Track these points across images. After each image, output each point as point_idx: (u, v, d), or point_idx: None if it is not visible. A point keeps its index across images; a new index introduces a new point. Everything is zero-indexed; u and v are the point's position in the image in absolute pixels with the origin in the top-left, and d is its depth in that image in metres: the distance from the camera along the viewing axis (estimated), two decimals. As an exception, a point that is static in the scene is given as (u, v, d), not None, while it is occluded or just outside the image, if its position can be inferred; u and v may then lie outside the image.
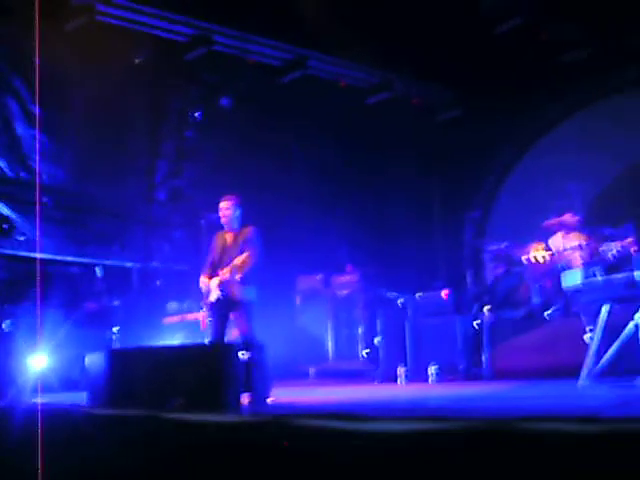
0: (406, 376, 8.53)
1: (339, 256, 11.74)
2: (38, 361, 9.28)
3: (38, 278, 9.43)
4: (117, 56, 10.53)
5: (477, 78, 11.10)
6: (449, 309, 8.92)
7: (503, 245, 9.48)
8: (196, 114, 12.41)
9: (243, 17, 10.40)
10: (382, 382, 8.85)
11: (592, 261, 6.98)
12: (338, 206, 12.51)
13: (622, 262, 5.76)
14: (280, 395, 6.38)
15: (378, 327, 9.48)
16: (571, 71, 10.43)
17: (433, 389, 7.53)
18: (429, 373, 8.31)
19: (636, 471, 2.58)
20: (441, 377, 8.23)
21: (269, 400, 5.95)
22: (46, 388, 8.71)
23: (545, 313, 8.59)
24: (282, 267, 10.60)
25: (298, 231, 11.98)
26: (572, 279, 6.62)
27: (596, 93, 11.01)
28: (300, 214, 12.13)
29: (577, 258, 7.93)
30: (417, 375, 8.47)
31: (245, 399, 5.61)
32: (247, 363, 5.72)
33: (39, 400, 6.28)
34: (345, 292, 11.11)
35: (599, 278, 5.93)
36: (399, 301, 9.82)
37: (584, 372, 6.04)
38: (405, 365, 8.62)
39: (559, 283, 8.16)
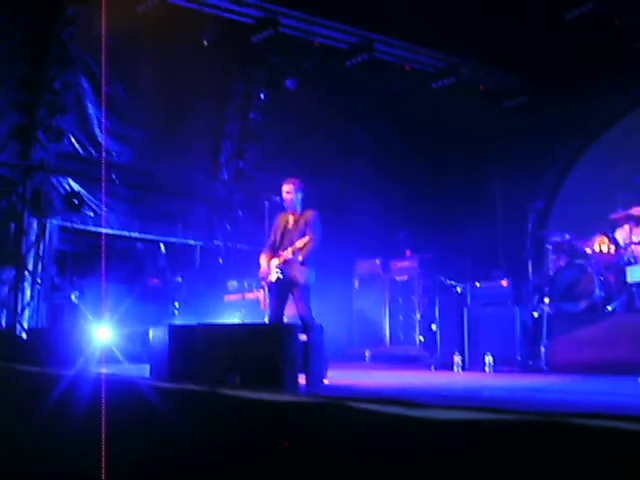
0: (462, 364, 8.50)
1: (399, 241, 11.72)
2: (103, 333, 9.62)
3: (103, 252, 9.74)
4: (185, 37, 10.73)
5: (545, 65, 10.86)
6: (508, 299, 8.82)
7: (567, 236, 9.31)
8: (261, 96, 12.54)
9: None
10: (437, 369, 8.85)
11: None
12: (399, 191, 12.47)
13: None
14: (336, 377, 6.47)
15: (436, 314, 9.47)
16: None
17: (488, 379, 7.50)
18: (485, 362, 8.26)
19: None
20: (497, 367, 8.17)
21: (325, 381, 6.05)
22: (110, 360, 9.04)
23: (607, 307, 8.43)
24: (341, 250, 10.67)
25: (358, 215, 12.02)
26: (637, 274, 6.47)
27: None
28: (361, 198, 12.16)
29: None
30: (473, 364, 8.42)
31: (302, 379, 5.71)
32: (305, 344, 5.81)
33: (104, 371, 6.51)
34: (404, 277, 11.11)
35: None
36: (458, 289, 9.76)
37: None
38: (461, 353, 8.58)
39: (624, 277, 8.01)
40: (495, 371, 8.13)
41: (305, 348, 5.79)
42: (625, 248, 8.50)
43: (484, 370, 8.18)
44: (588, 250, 9.02)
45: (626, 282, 8.07)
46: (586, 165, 11.71)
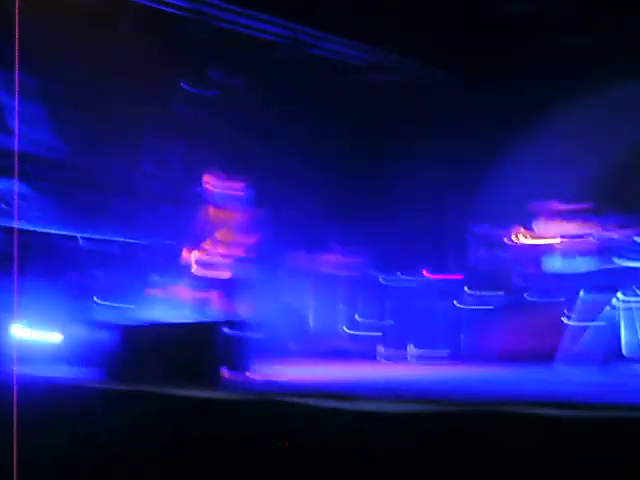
0: (385, 355, 8.63)
1: (326, 234, 11.75)
2: (20, 331, 9.27)
3: (16, 248, 9.38)
4: (106, 24, 10.41)
5: (476, 61, 11.08)
6: (432, 290, 9.01)
7: (486, 228, 9.56)
8: (185, 87, 12.31)
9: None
10: (361, 360, 8.95)
11: (575, 248, 7.08)
12: (328, 182, 12.46)
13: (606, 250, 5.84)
14: (264, 371, 6.44)
15: (360, 306, 9.57)
16: (567, 57, 10.43)
17: (412, 370, 7.63)
18: (408, 353, 8.42)
19: (612, 456, 2.66)
20: (421, 358, 8.34)
21: (251, 375, 6.01)
22: (26, 359, 8.73)
23: (525, 296, 8.71)
24: (270, 244, 10.64)
25: (288, 209, 11.96)
26: (553, 263, 6.71)
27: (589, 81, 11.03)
28: (290, 192, 12.10)
29: (559, 243, 8.03)
30: (397, 355, 8.57)
31: (226, 374, 5.67)
32: (231, 339, 5.77)
33: (19, 371, 6.29)
34: (330, 270, 11.16)
35: (581, 266, 6.02)
36: (381, 280, 9.89)
37: (561, 356, 6.16)
38: (386, 344, 8.72)
39: (540, 267, 8.30)
40: (419, 362, 8.29)
41: (231, 343, 5.74)
42: (542, 238, 8.80)
43: (407, 360, 8.34)
44: (506, 241, 9.29)
45: (543, 271, 8.36)
46: (507, 157, 12.01)
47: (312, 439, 3.53)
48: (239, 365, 5.74)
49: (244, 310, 6.71)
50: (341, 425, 3.50)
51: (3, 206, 10.46)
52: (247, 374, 5.92)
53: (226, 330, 5.64)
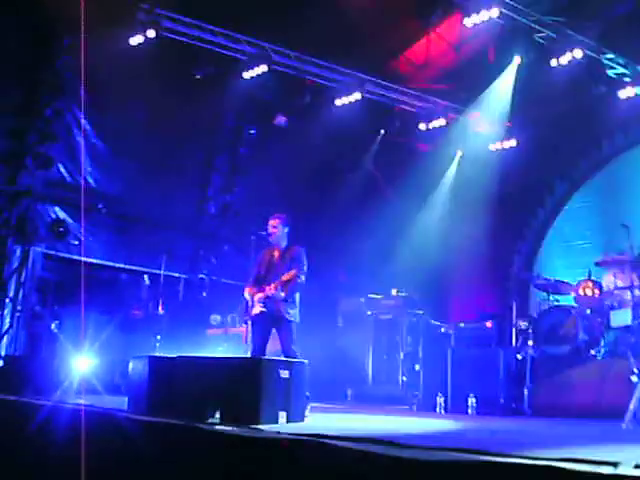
0: (444, 406, 8.42)
1: (384, 280, 11.69)
2: (82, 363, 9.46)
3: (83, 282, 9.63)
4: (177, 71, 10.81)
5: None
6: (492, 340, 8.79)
7: (551, 279, 9.34)
8: (251, 131, 12.61)
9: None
10: (420, 410, 8.76)
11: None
12: (386, 230, 12.48)
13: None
14: (318, 415, 6.38)
15: (419, 354, 9.40)
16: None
17: (471, 421, 7.41)
18: (468, 404, 8.19)
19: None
20: (480, 409, 8.09)
21: (306, 419, 5.96)
22: (89, 390, 8.88)
23: (591, 351, 8.42)
24: (326, 287, 10.64)
25: (344, 252, 12.01)
26: (622, 318, 6.48)
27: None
28: (347, 236, 12.17)
29: (628, 297, 7.77)
30: (456, 405, 8.34)
31: (282, 417, 5.62)
32: (286, 381, 5.73)
33: (82, 402, 6.40)
34: (388, 316, 11.05)
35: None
36: (442, 329, 9.72)
37: (629, 414, 5.89)
38: (444, 394, 8.50)
39: (608, 321, 8.02)
40: (478, 413, 8.05)
41: (286, 384, 5.71)
42: (609, 293, 8.53)
43: (467, 412, 8.10)
44: (572, 294, 9.04)
45: (610, 326, 8.08)
46: (572, 210, 11.83)
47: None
48: (295, 407, 5.69)
49: (298, 352, 6.69)
50: (383, 470, 3.43)
51: (73, 241, 10.81)
52: (304, 417, 5.87)
53: (283, 371, 5.61)
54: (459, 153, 12.96)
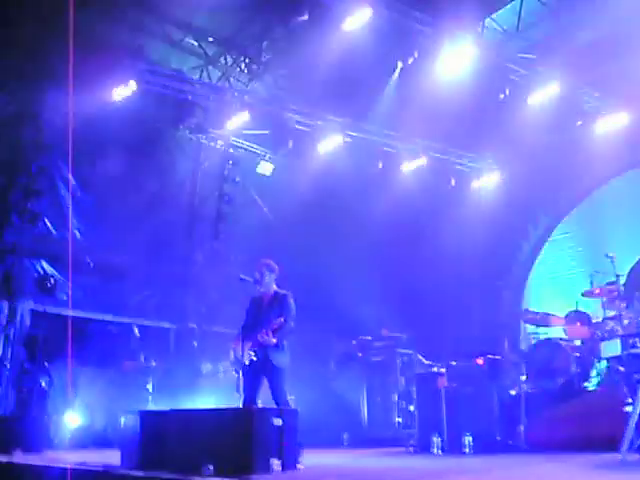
0: (441, 445, 8.34)
1: (374, 321, 11.68)
2: (73, 419, 9.35)
3: (70, 336, 9.57)
4: (162, 121, 10.94)
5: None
6: (485, 377, 8.75)
7: (540, 313, 9.36)
8: (236, 178, 12.70)
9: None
10: (416, 451, 8.67)
11: (632, 332, 6.85)
12: (374, 271, 12.50)
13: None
14: (313, 461, 6.31)
15: (413, 394, 9.34)
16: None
17: (466, 461, 7.35)
18: (464, 443, 8.11)
19: None
20: (477, 448, 8.02)
21: (300, 467, 5.89)
22: (80, 445, 8.76)
23: (584, 383, 8.40)
24: (317, 330, 10.61)
25: (333, 296, 11.99)
26: (612, 349, 6.49)
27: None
28: (335, 279, 12.17)
29: (617, 327, 7.80)
30: (452, 445, 8.26)
31: (276, 465, 5.57)
32: (279, 428, 5.68)
33: (72, 459, 6.32)
34: (380, 358, 11.01)
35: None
36: (434, 368, 9.68)
37: (625, 445, 5.86)
38: (440, 434, 8.44)
39: (598, 353, 8.03)
40: (475, 452, 7.98)
41: (279, 433, 5.66)
42: (598, 324, 8.56)
43: (463, 451, 8.03)
44: (562, 326, 9.06)
45: (600, 357, 8.09)
46: (555, 241, 11.93)
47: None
48: (288, 455, 5.62)
49: (290, 398, 6.65)
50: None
51: (62, 295, 10.76)
52: (298, 465, 5.80)
53: (276, 420, 5.57)
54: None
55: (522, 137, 11.02)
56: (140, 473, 5.19)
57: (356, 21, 9.34)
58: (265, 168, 12.23)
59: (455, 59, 9.99)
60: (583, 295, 8.99)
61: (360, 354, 11.14)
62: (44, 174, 10.71)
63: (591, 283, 8.78)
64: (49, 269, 10.78)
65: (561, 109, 10.71)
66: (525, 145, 11.18)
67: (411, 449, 8.81)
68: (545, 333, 9.13)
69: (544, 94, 10.66)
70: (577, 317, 8.93)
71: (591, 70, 10.26)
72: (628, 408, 6.26)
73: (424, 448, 8.51)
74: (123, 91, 10.26)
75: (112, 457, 6.13)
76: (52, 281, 10.71)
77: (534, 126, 10.70)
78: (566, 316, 9.03)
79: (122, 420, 6.36)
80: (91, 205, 11.10)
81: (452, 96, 10.38)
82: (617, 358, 7.44)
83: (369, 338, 11.26)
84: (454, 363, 9.16)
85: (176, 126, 11.04)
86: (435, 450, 8.31)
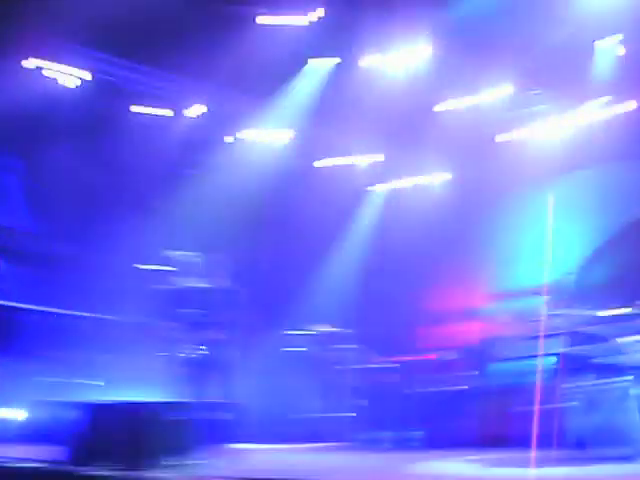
0: (390, 441, 8.39)
1: (323, 315, 11.61)
2: (10, 413, 9.17)
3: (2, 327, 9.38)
4: (111, 112, 10.76)
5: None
6: (435, 373, 8.87)
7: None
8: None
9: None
10: (365, 447, 8.67)
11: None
12: (322, 267, 12.39)
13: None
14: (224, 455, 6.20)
15: (362, 390, 9.36)
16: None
17: (412, 456, 7.37)
18: (413, 438, 8.19)
19: None
20: (427, 443, 8.13)
21: (202, 462, 5.74)
22: (19, 440, 8.57)
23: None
24: (266, 323, 10.55)
25: (282, 290, 11.89)
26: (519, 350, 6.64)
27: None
28: (287, 271, 12.06)
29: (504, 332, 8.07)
30: (402, 440, 8.38)
31: (172, 461, 5.44)
32: (178, 424, 5.57)
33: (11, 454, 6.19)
34: (327, 352, 10.96)
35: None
36: (385, 364, 9.72)
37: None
38: (389, 429, 8.50)
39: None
40: (425, 447, 8.07)
41: (178, 428, 5.53)
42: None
43: (412, 447, 8.10)
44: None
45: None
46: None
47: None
48: (183, 449, 5.48)
49: (216, 391, 6.60)
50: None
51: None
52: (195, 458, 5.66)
53: (169, 413, 5.43)
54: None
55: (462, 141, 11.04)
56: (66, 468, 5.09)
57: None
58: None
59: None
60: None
61: (307, 349, 11.10)
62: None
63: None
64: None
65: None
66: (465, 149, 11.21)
67: (359, 444, 8.82)
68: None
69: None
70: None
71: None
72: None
73: (373, 443, 8.55)
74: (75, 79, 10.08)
75: (49, 452, 6.01)
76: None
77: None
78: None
79: (59, 413, 6.23)
80: (33, 193, 10.86)
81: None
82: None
83: (317, 331, 11.21)
84: (404, 359, 9.24)
85: (126, 117, 10.87)
86: (383, 446, 8.33)
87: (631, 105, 10.08)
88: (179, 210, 10.97)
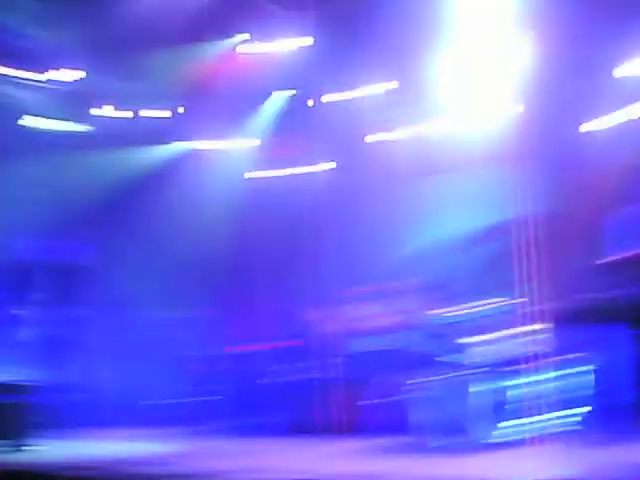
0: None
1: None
2: None
3: None
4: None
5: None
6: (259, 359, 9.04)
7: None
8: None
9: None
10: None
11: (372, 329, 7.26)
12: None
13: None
14: (61, 442, 6.09)
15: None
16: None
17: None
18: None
19: None
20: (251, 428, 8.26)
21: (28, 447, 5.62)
22: None
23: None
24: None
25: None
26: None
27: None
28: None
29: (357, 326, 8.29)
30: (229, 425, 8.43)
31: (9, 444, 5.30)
32: (19, 406, 5.43)
33: None
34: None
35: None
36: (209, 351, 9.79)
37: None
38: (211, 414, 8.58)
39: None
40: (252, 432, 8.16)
41: (16, 410, 5.39)
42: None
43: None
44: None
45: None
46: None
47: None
48: (17, 433, 5.37)
49: (69, 373, 6.43)
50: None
51: None
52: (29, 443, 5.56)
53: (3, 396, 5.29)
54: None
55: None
56: None
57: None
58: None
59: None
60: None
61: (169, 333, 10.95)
62: None
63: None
64: None
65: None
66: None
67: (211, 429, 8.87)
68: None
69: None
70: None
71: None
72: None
73: (229, 429, 8.70)
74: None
75: None
76: None
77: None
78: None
79: None
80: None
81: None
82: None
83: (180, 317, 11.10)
84: (261, 347, 9.33)
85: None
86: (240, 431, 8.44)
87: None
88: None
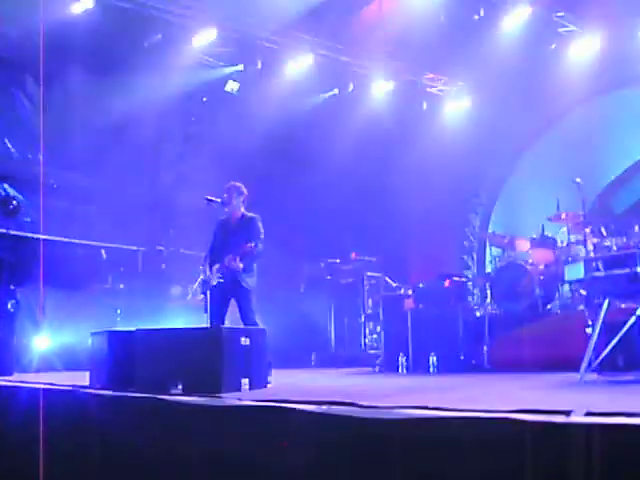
0: (406, 365, 8.54)
1: (343, 244, 11.72)
2: (42, 341, 9.35)
3: (41, 259, 9.45)
4: (126, 38, 10.53)
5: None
6: (451, 299, 8.91)
7: (507, 237, 9.47)
8: (204, 98, 12.40)
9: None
10: (383, 371, 8.87)
11: (595, 256, 6.95)
12: (343, 196, 12.42)
13: (626, 257, 5.70)
14: (281, 380, 6.42)
15: (380, 316, 9.50)
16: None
17: (430, 379, 7.54)
18: (429, 363, 8.32)
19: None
20: (441, 367, 8.23)
21: (269, 385, 5.99)
22: (50, 368, 8.78)
23: (547, 305, 8.59)
24: (286, 254, 10.63)
25: (303, 218, 11.97)
26: (575, 273, 6.59)
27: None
28: (305, 201, 12.11)
29: (582, 252, 7.93)
30: (418, 364, 8.47)
31: (244, 383, 5.64)
32: (247, 347, 5.74)
33: (41, 380, 6.33)
34: (348, 280, 11.13)
35: (602, 272, 5.88)
36: (402, 290, 9.82)
37: (584, 365, 6.04)
38: (405, 354, 8.62)
39: (562, 276, 8.19)
40: (439, 371, 8.20)
41: (247, 352, 5.72)
42: (563, 248, 8.70)
43: (428, 371, 8.24)
44: (527, 250, 9.19)
45: (564, 280, 8.26)
46: (524, 168, 11.95)
47: (316, 446, 3.54)
48: (257, 374, 5.70)
49: (258, 319, 6.71)
50: (344, 432, 3.50)
51: (26, 219, 10.55)
52: (266, 384, 5.90)
53: (244, 339, 5.62)
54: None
55: (495, 61, 10.86)
56: (109, 393, 5.22)
57: None
58: (232, 87, 11.90)
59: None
60: (550, 220, 9.11)
61: (329, 277, 11.26)
62: (3, 92, 10.31)
63: (557, 208, 8.88)
64: (11, 191, 10.52)
65: (534, 32, 10.56)
66: (497, 69, 11.02)
67: (377, 369, 9.02)
68: (510, 257, 9.28)
69: (517, 16, 10.48)
70: (542, 241, 9.06)
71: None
72: (588, 330, 6.41)
73: (390, 368, 8.72)
74: (82, 6, 9.83)
75: (81, 378, 6.17)
76: (15, 203, 10.47)
77: (507, 49, 10.55)
78: (532, 240, 9.16)
79: (90, 341, 6.36)
80: (54, 127, 10.73)
81: (424, 18, 10.19)
82: (580, 281, 7.61)
83: (338, 261, 11.35)
84: (421, 285, 9.31)
85: (140, 43, 10.64)
86: (401, 370, 8.52)
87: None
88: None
